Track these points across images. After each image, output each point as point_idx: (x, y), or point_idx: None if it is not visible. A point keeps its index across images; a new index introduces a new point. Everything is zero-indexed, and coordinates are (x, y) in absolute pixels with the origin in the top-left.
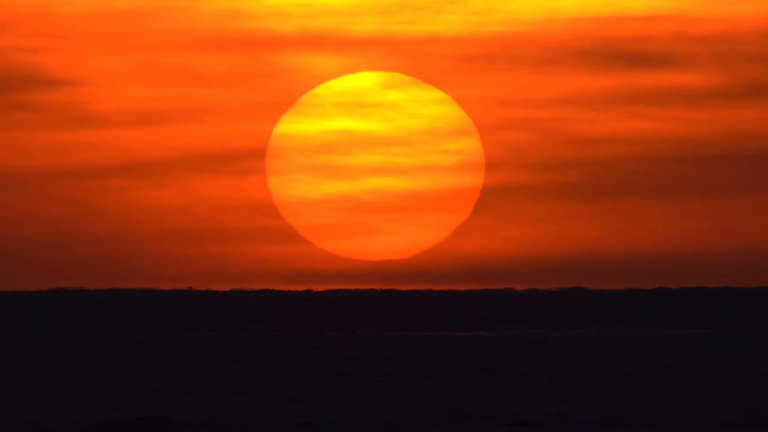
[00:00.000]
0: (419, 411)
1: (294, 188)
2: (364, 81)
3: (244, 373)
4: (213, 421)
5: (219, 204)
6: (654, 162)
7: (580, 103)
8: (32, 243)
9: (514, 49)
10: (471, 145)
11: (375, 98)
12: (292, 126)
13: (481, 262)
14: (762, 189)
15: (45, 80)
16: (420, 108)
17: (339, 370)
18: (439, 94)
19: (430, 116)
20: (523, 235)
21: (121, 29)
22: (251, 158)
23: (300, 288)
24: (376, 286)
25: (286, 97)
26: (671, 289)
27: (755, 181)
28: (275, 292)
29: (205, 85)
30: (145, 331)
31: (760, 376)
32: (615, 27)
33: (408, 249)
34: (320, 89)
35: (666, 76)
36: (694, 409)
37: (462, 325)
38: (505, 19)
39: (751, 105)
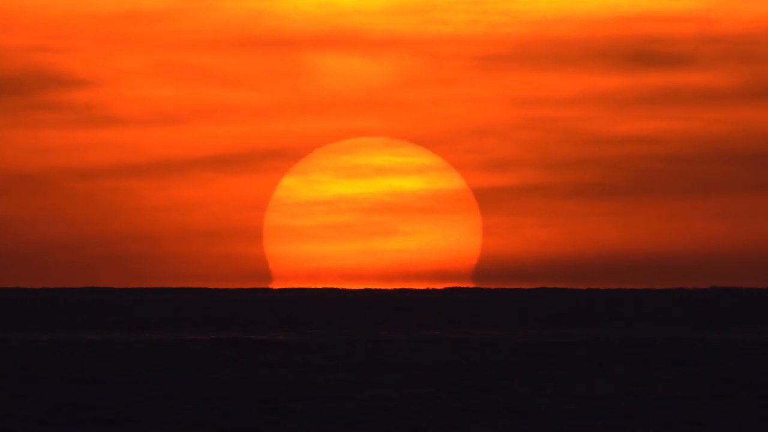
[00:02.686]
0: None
1: (313, 189)
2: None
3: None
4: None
5: (239, 203)
6: (674, 161)
7: (599, 103)
8: (51, 242)
9: (532, 48)
10: (489, 146)
11: (394, 98)
12: (313, 127)
13: (498, 261)
14: None
15: (67, 80)
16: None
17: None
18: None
19: (448, 116)
20: (542, 234)
21: (143, 30)
22: (272, 158)
23: (322, 287)
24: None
25: (309, 97)
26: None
27: None
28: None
29: (227, 85)
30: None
31: None
32: (634, 27)
33: (425, 249)
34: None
35: (685, 75)
36: None
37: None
38: (523, 19)
39: None
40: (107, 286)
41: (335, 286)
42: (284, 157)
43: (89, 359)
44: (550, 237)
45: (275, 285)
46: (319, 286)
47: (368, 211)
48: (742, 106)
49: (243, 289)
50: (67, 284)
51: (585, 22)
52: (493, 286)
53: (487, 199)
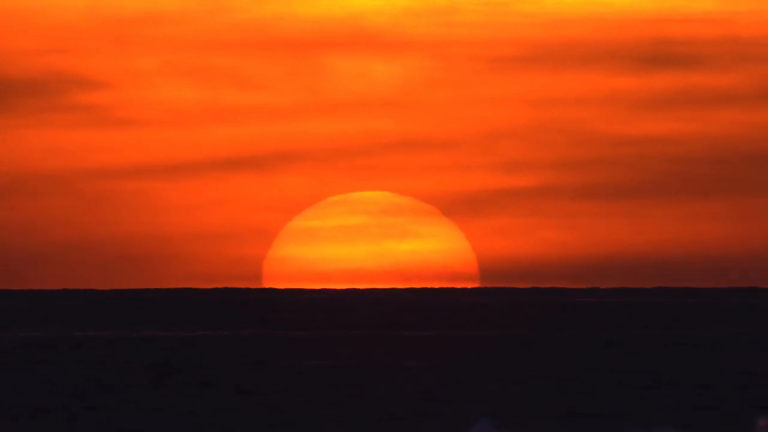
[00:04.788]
0: None
1: (331, 190)
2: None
3: None
4: None
5: (254, 205)
6: (690, 162)
7: (615, 104)
8: (65, 243)
9: (548, 50)
10: (505, 147)
11: (411, 100)
12: (330, 128)
13: (516, 262)
14: None
15: (83, 82)
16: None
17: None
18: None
19: (464, 118)
20: (557, 235)
21: (159, 31)
22: (289, 159)
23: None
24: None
25: (326, 98)
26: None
27: None
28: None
29: (244, 86)
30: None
31: None
32: (650, 28)
33: (439, 251)
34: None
35: (701, 77)
36: None
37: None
38: (539, 21)
39: None
40: (120, 287)
41: (347, 287)
42: (301, 158)
43: (96, 357)
44: (565, 238)
45: (287, 285)
46: (330, 286)
47: (382, 212)
48: (758, 107)
49: (252, 289)
50: (81, 285)
51: (601, 23)
52: (505, 286)
53: (502, 201)
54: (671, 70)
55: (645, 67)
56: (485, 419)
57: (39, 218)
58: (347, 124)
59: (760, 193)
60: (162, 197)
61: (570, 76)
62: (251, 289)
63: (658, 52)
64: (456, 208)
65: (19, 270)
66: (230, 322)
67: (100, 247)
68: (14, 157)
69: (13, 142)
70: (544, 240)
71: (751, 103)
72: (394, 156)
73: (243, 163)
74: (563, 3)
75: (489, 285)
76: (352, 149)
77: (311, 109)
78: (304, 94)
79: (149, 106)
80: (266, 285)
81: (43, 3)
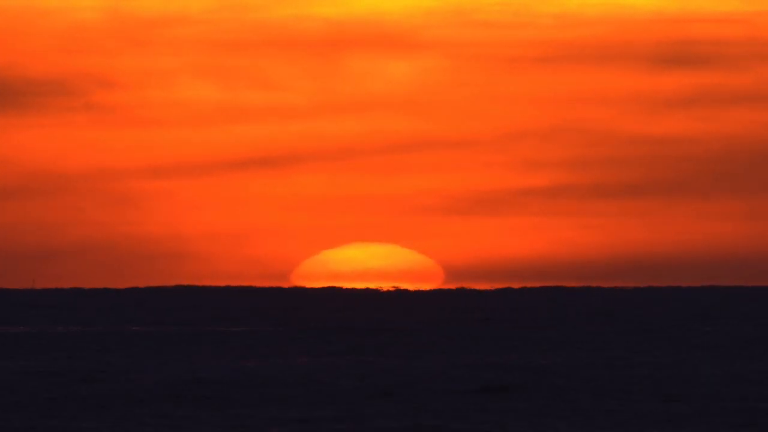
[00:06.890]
0: None
1: (354, 188)
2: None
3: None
4: None
5: (277, 204)
6: (709, 162)
7: (635, 103)
8: (86, 241)
9: (568, 50)
10: (525, 146)
11: (431, 99)
12: (349, 128)
13: (530, 262)
14: None
15: (103, 82)
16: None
17: None
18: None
19: (484, 117)
20: (575, 234)
21: (180, 32)
22: (307, 159)
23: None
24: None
25: (345, 98)
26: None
27: None
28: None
29: (264, 86)
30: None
31: None
32: (672, 28)
33: (448, 251)
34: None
35: (721, 77)
36: None
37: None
38: (559, 22)
39: None
40: (136, 285)
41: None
42: (319, 157)
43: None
44: (583, 237)
45: (298, 284)
46: (343, 286)
47: (400, 212)
48: None
49: (270, 288)
50: (96, 284)
51: (619, 23)
52: (519, 286)
53: (519, 200)
54: (690, 70)
55: (664, 67)
56: None
57: (58, 217)
58: (365, 124)
59: None
60: (181, 196)
61: (588, 76)
62: (269, 287)
63: (677, 52)
64: (473, 207)
65: (37, 268)
66: (246, 320)
67: (119, 246)
68: (34, 156)
69: (33, 142)
70: (561, 239)
71: None
72: (412, 155)
73: (261, 163)
74: (582, 3)
75: (502, 285)
76: (370, 149)
77: (330, 109)
78: (323, 94)
79: (169, 106)
80: (285, 284)
81: (64, 4)
